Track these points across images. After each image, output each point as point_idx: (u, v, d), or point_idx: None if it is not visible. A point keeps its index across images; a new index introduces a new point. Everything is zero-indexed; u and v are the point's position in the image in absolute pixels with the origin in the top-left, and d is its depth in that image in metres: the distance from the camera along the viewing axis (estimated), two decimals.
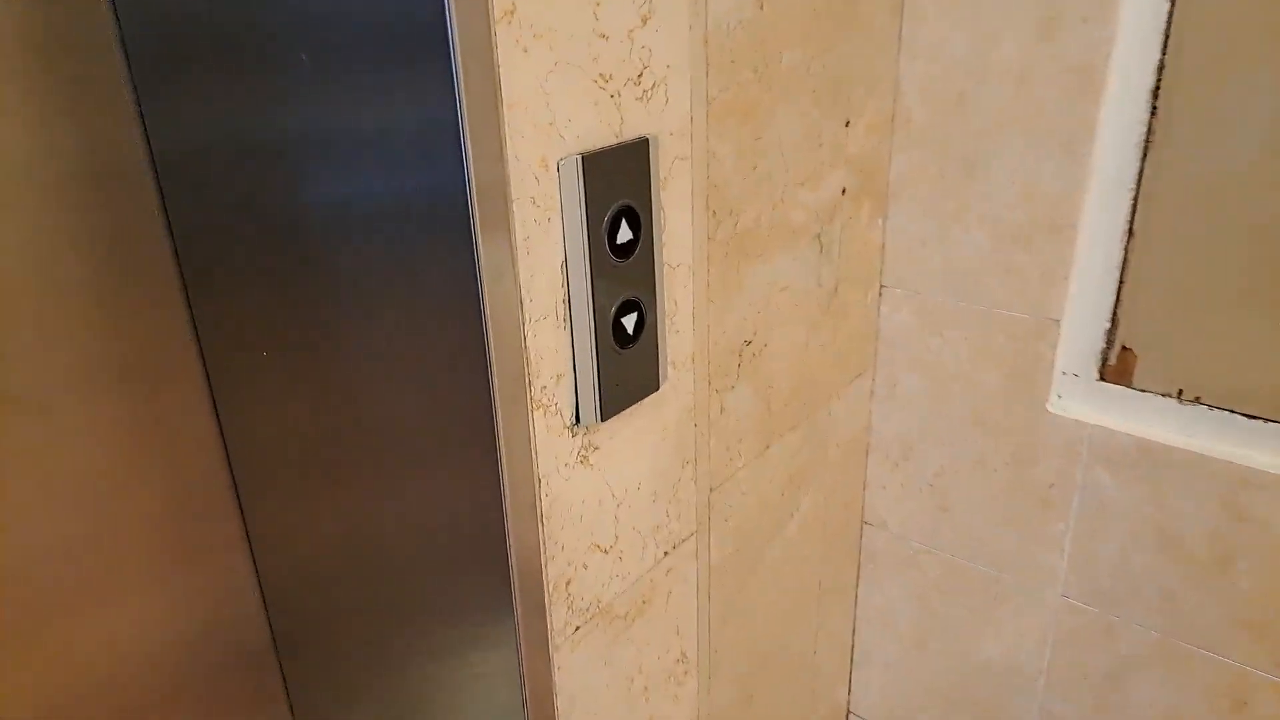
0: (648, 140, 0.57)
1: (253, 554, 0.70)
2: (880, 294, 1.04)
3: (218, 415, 0.65)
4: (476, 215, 0.47)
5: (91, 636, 0.63)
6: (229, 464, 0.67)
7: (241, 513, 0.69)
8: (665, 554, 0.72)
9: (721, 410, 0.79)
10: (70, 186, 0.55)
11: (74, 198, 0.55)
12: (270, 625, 0.73)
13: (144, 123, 0.56)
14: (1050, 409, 0.96)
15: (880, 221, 1.00)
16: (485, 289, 0.49)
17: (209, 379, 0.64)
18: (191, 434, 0.65)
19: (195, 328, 0.62)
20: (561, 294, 0.55)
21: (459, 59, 0.44)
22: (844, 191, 0.91)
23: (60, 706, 0.62)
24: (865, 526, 1.16)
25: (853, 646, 1.23)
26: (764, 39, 0.72)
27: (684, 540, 0.74)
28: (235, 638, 0.71)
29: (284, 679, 0.75)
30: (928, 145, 0.95)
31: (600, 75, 0.53)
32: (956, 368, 1.01)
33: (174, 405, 0.63)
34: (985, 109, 0.90)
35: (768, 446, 0.89)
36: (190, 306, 0.62)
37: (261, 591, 0.72)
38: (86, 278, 0.57)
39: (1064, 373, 0.95)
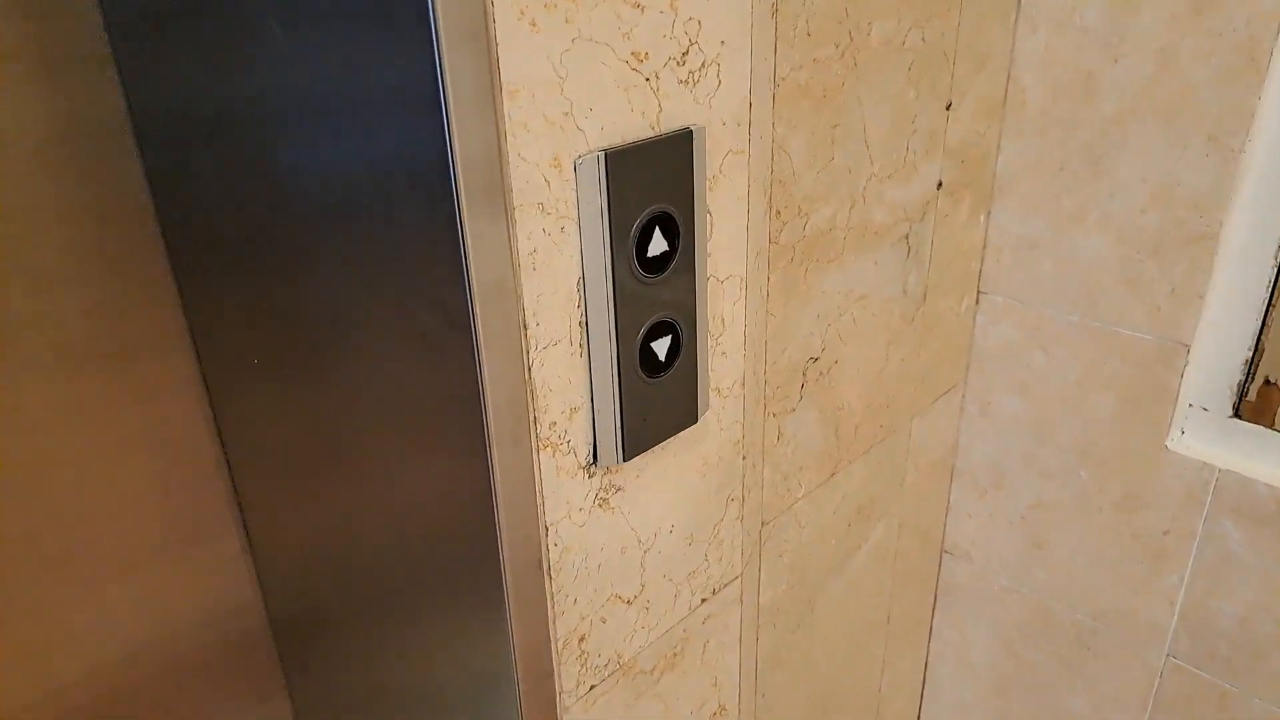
0: (691, 132, 0.47)
1: (250, 546, 0.65)
2: (978, 301, 0.91)
3: (211, 401, 0.60)
4: (466, 228, 0.39)
5: (90, 625, 0.60)
6: (223, 448, 0.61)
7: (238, 501, 0.64)
8: (703, 601, 0.63)
9: (779, 437, 0.70)
10: (53, 156, 0.49)
11: (57, 167, 0.50)
12: (269, 617, 0.68)
13: (126, 91, 0.50)
14: (1170, 446, 0.83)
15: (982, 219, 0.87)
16: (477, 312, 0.41)
17: (201, 369, 0.58)
18: (182, 417, 0.60)
19: (185, 311, 0.57)
20: (578, 316, 0.46)
21: (440, 37, 0.35)
22: (940, 185, 0.79)
23: (56, 697, 0.60)
24: (945, 555, 1.05)
25: (923, 686, 1.12)
26: (851, 6, 0.61)
27: (726, 585, 0.65)
28: (233, 626, 0.67)
29: (284, 671, 0.70)
30: (1045, 133, 0.82)
31: (633, 54, 0.44)
32: (1063, 390, 0.88)
33: (164, 386, 0.58)
34: (1118, 91, 0.76)
35: (833, 474, 0.79)
36: (180, 287, 0.56)
37: (260, 584, 0.67)
38: (72, 253, 0.52)
39: (1190, 405, 0.81)
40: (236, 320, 0.55)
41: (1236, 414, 0.80)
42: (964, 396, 0.95)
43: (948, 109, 0.76)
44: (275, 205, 0.47)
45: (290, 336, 0.52)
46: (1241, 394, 0.79)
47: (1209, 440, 0.81)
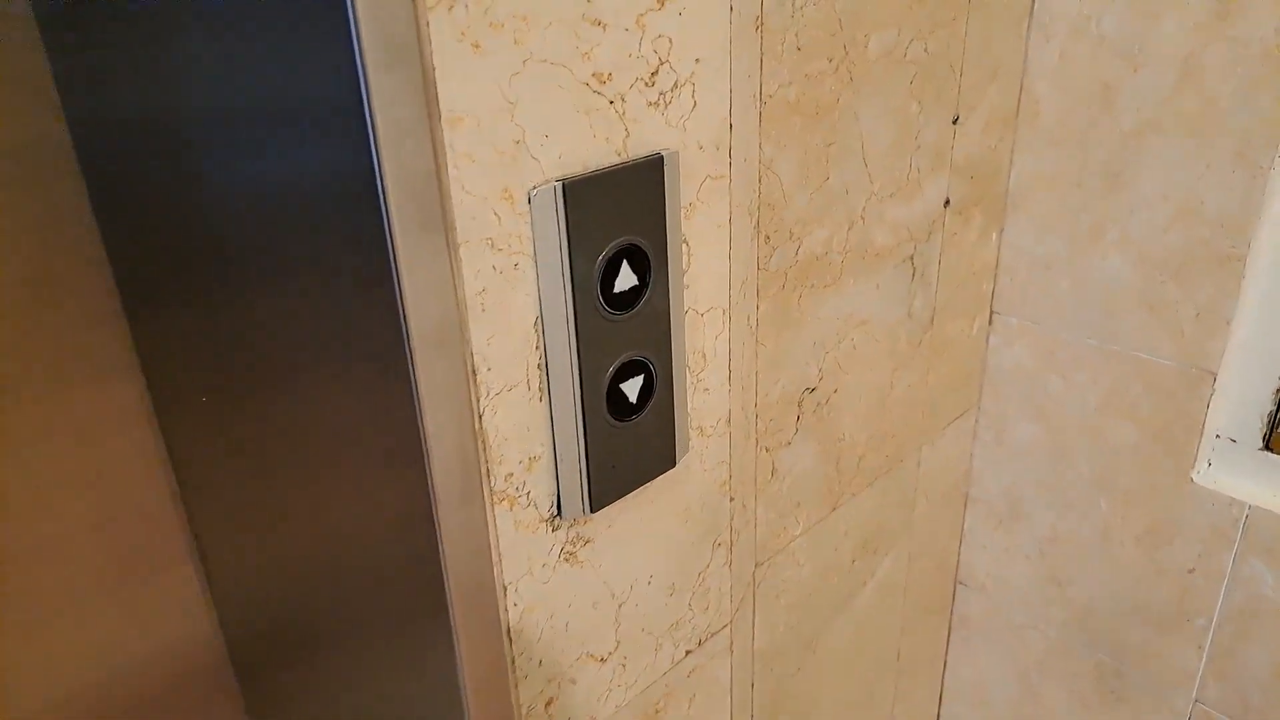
0: (662, 158, 0.44)
1: (209, 579, 0.62)
2: (990, 323, 0.87)
3: (162, 432, 0.57)
4: (400, 268, 0.35)
5: (42, 664, 0.57)
6: (177, 480, 0.59)
7: (194, 534, 0.61)
8: (687, 653, 0.59)
9: (773, 473, 0.66)
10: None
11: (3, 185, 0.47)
12: (228, 651, 0.65)
13: (66, 112, 0.47)
14: (1197, 479, 0.78)
15: (994, 237, 0.83)
16: (416, 359, 0.37)
17: (152, 397, 0.56)
18: (132, 446, 0.57)
19: (134, 338, 0.54)
20: (536, 358, 0.42)
21: (364, 60, 0.31)
22: (947, 203, 0.75)
23: None
24: (959, 587, 1.00)
25: None
26: (846, 18, 0.57)
27: (714, 634, 0.61)
28: (193, 660, 0.65)
29: (245, 706, 0.67)
30: (1060, 147, 0.77)
31: (594, 75, 0.40)
32: (1081, 418, 0.83)
33: (113, 415, 0.55)
34: (1137, 103, 0.72)
35: (835, 508, 0.75)
36: (128, 313, 0.53)
37: (219, 618, 0.64)
38: (16, 278, 0.49)
39: (1218, 436, 0.76)
40: (183, 349, 0.52)
41: (1267, 446, 0.75)
42: (977, 422, 0.91)
43: (955, 123, 0.72)
44: (214, 237, 0.44)
45: (233, 372, 0.49)
46: (1272, 425, 0.74)
47: (1238, 474, 0.76)
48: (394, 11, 0.32)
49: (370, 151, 0.33)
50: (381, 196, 0.34)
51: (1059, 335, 0.82)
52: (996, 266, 0.84)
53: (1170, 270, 0.73)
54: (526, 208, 0.39)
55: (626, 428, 0.47)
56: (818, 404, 0.68)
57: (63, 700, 0.59)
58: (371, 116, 0.32)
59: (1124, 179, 0.74)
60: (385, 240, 0.35)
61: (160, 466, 0.58)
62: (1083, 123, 0.75)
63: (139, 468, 0.58)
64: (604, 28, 0.40)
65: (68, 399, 0.53)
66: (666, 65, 0.43)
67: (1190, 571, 0.80)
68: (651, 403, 0.48)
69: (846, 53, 0.58)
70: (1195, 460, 0.77)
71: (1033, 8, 0.75)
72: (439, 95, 0.35)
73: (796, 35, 0.54)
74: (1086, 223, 0.77)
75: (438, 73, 0.34)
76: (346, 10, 0.31)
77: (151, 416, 0.57)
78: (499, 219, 0.39)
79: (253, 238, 0.42)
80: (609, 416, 0.46)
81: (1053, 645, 0.93)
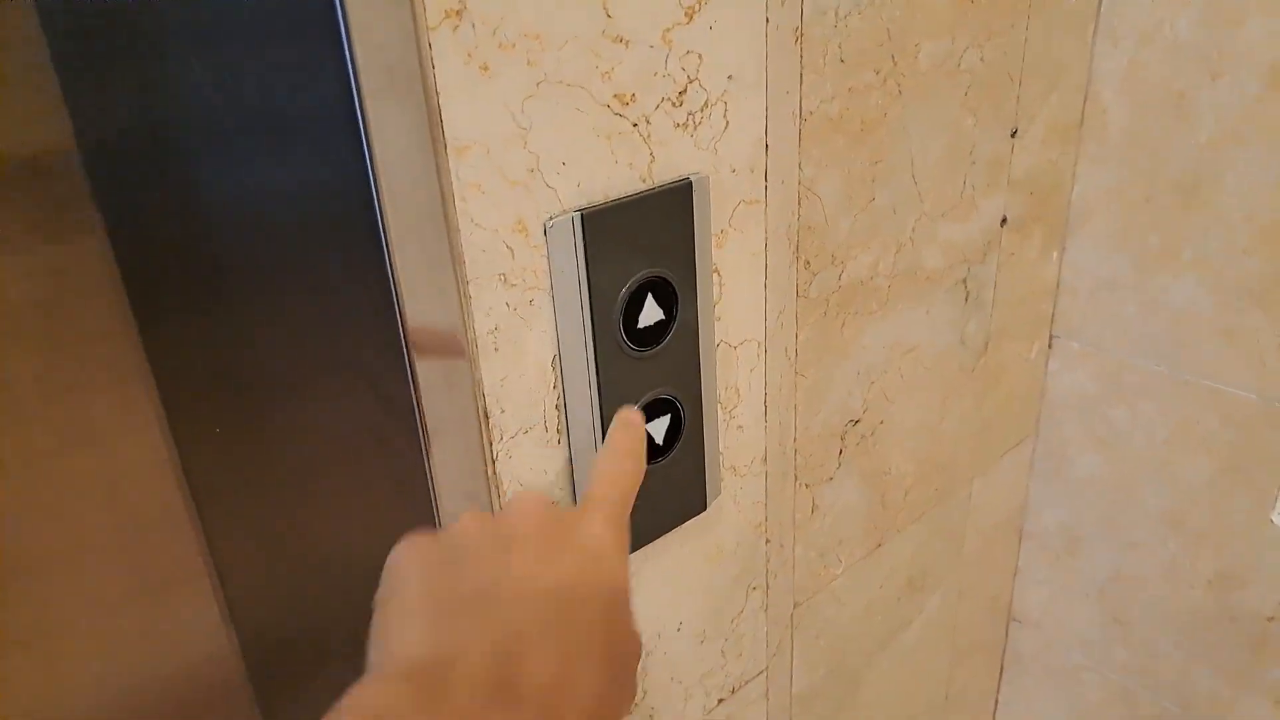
0: (691, 183, 0.41)
1: (225, 595, 0.60)
2: (1050, 347, 0.82)
3: (177, 445, 0.55)
4: (404, 307, 0.33)
5: (56, 683, 0.56)
6: (192, 495, 0.57)
7: (210, 549, 0.59)
8: (719, 701, 0.56)
9: (814, 510, 0.62)
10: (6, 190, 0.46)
11: (10, 202, 0.46)
12: (246, 667, 0.63)
13: (74, 121, 0.46)
14: (1276, 520, 0.72)
15: (1055, 256, 0.78)
16: (423, 400, 0.34)
17: (166, 412, 0.54)
18: (145, 459, 0.55)
19: (147, 354, 0.52)
20: (554, 398, 0.40)
21: (360, 87, 0.29)
22: (1004, 221, 0.70)
23: None
24: (1012, 624, 0.95)
25: None
26: (894, 27, 0.53)
27: (748, 681, 0.58)
28: (210, 677, 0.63)
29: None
30: (1129, 160, 0.72)
31: (616, 97, 0.37)
32: (1149, 451, 0.78)
33: (124, 428, 0.54)
34: (1216, 114, 0.66)
35: (880, 544, 0.70)
36: (140, 327, 0.51)
37: (237, 634, 0.63)
38: (26, 279, 0.48)
39: None
40: (196, 367, 0.50)
41: None
42: (1035, 453, 0.86)
43: (1013, 136, 0.67)
44: (218, 259, 0.42)
45: (244, 394, 0.47)
46: None
47: None
48: (393, 31, 0.29)
49: (368, 182, 0.31)
50: (381, 230, 0.31)
51: (1125, 361, 0.77)
52: (1057, 288, 0.79)
53: (1251, 295, 0.68)
54: (542, 240, 0.37)
55: (653, 471, 0.44)
56: (862, 436, 0.64)
57: (75, 714, 0.58)
58: (369, 145, 0.30)
59: (1200, 195, 0.69)
60: (387, 275, 0.32)
61: (174, 477, 0.57)
62: (1154, 134, 0.70)
63: (152, 478, 0.56)
64: (626, 45, 0.37)
65: (80, 409, 0.52)
66: (696, 83, 0.40)
67: (1269, 620, 0.74)
68: (679, 444, 0.45)
69: (895, 64, 0.54)
70: (1276, 500, 0.71)
71: (1099, 10, 0.70)
72: (444, 121, 0.32)
73: (840, 46, 0.50)
74: (1157, 242, 0.72)
75: (442, 97, 0.32)
76: (340, 30, 0.28)
77: (165, 427, 0.55)
78: (512, 253, 0.36)
79: (257, 261, 0.40)
80: None
81: (1113, 689, 0.88)
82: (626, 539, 0.30)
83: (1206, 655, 0.79)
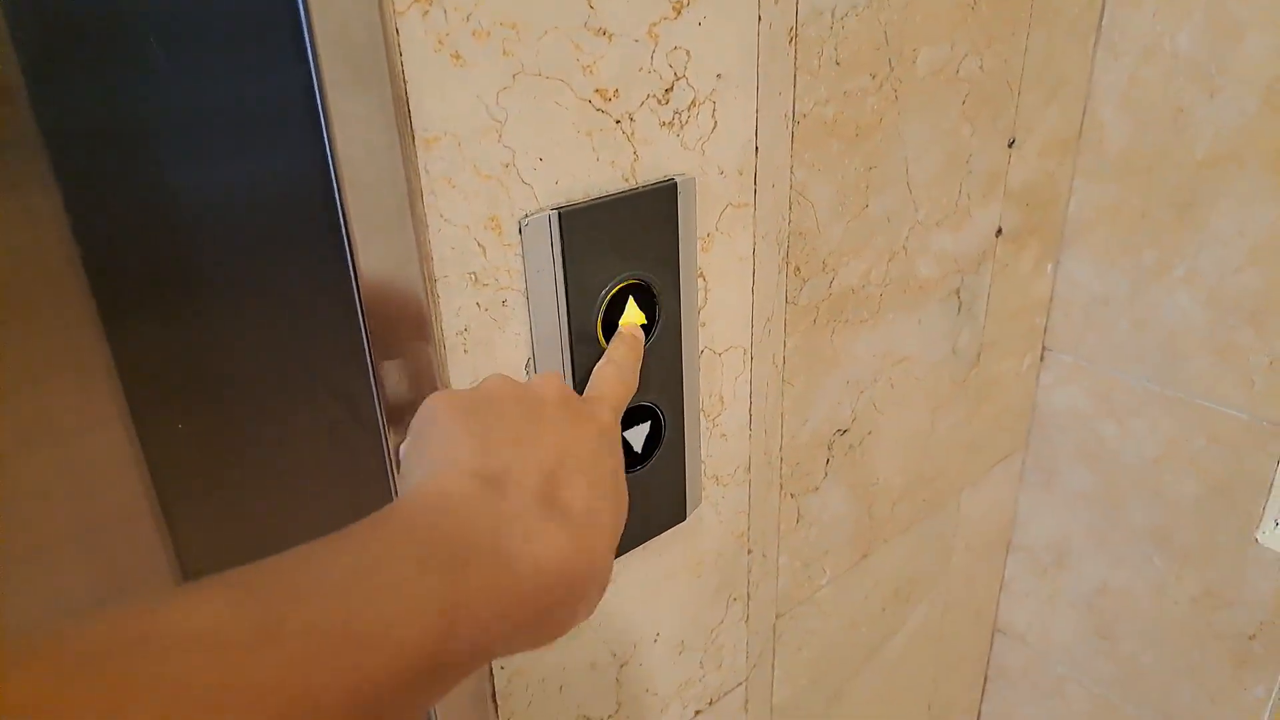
0: (675, 184, 0.39)
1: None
2: (1042, 360, 0.81)
3: (141, 439, 0.54)
4: (365, 306, 0.31)
5: None
6: (155, 489, 0.55)
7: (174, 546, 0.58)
8: (697, 713, 0.55)
9: (799, 519, 0.61)
10: None
11: None
12: None
13: (37, 115, 0.44)
14: (1261, 540, 0.71)
15: (1049, 270, 0.77)
16: (386, 402, 0.33)
17: (129, 405, 0.52)
18: (107, 452, 0.54)
19: (112, 351, 0.51)
20: None
21: (321, 71, 0.28)
22: (999, 232, 0.69)
23: None
24: (997, 635, 0.94)
25: None
26: (892, 30, 0.52)
27: (728, 692, 0.56)
28: None
29: None
30: (1126, 175, 0.71)
31: (598, 92, 0.36)
32: (1139, 467, 0.77)
33: (87, 415, 0.52)
34: (1213, 130, 0.65)
35: (865, 555, 0.69)
36: (105, 324, 0.50)
37: None
38: None
39: None
40: (159, 362, 0.49)
41: None
42: (1024, 466, 0.85)
43: (1010, 146, 0.66)
44: (183, 251, 0.41)
45: (207, 386, 0.45)
46: None
47: None
48: (357, 16, 0.28)
49: (329, 174, 0.29)
50: (344, 224, 0.30)
51: (1116, 377, 0.76)
52: (1051, 301, 0.78)
53: (1243, 314, 0.67)
54: (517, 238, 0.35)
55: (631, 480, 0.42)
56: (850, 446, 0.63)
57: None
58: (330, 136, 0.28)
59: (1195, 212, 0.68)
60: (349, 272, 0.31)
61: (137, 473, 0.55)
62: (1152, 150, 0.69)
63: (115, 474, 0.55)
64: (610, 38, 0.35)
65: (41, 403, 0.51)
66: (683, 81, 0.39)
67: (1251, 638, 0.73)
68: (659, 452, 0.43)
69: (892, 68, 0.53)
70: (1261, 520, 0.71)
71: (1101, 22, 0.69)
72: (411, 112, 0.31)
73: (836, 48, 0.49)
74: (1151, 258, 0.71)
75: (410, 86, 0.30)
76: (300, 15, 0.27)
77: (128, 422, 0.54)
78: (484, 250, 0.34)
79: (221, 256, 0.38)
80: None
81: (1096, 701, 0.87)
82: (620, 435, 0.33)
83: (1190, 672, 0.78)
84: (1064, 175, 0.73)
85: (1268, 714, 0.75)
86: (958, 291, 0.67)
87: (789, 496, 0.59)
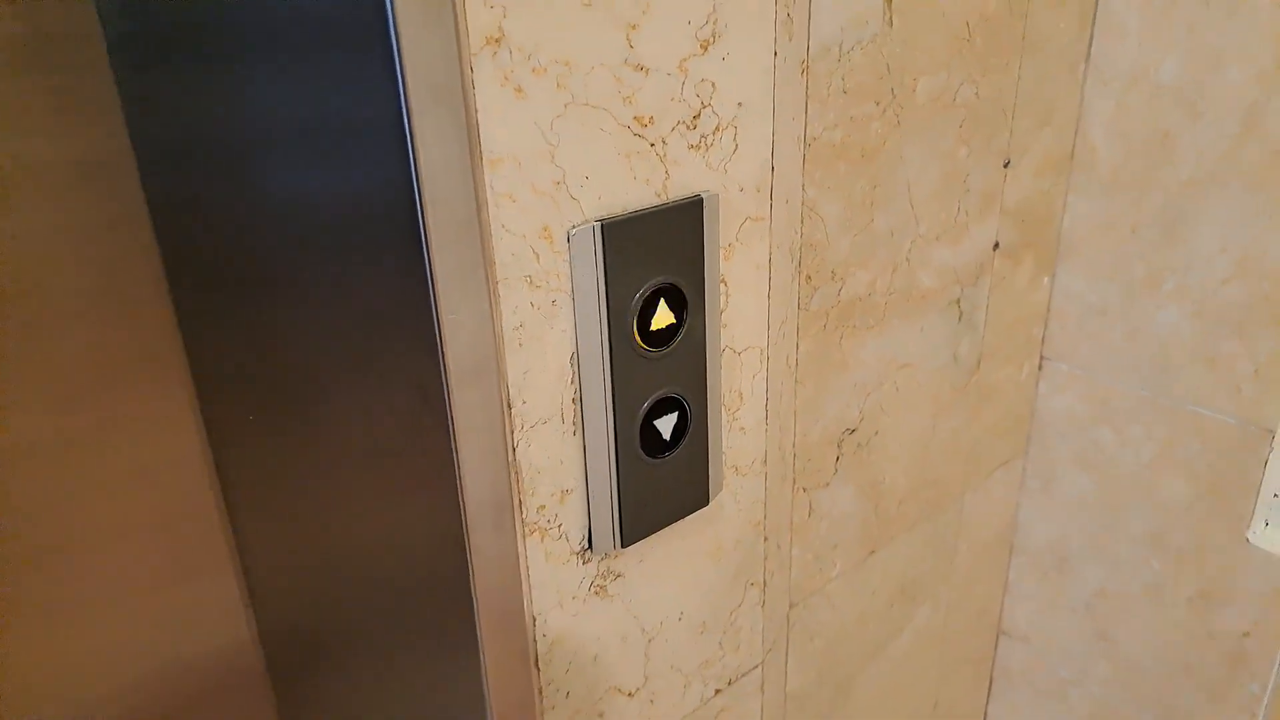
0: (701, 200, 0.44)
1: (248, 586, 0.63)
2: (1040, 368, 0.85)
3: (210, 440, 0.58)
4: (439, 303, 0.36)
5: (80, 663, 0.59)
6: (222, 488, 0.60)
7: (236, 542, 0.62)
8: (716, 692, 0.59)
9: (810, 513, 0.65)
10: (62, 194, 0.49)
11: (66, 206, 0.49)
12: (265, 658, 0.66)
13: (127, 121, 0.49)
14: (1252, 540, 0.75)
15: (1046, 282, 0.81)
16: (452, 389, 0.38)
17: (201, 407, 0.57)
18: (180, 453, 0.58)
19: (186, 351, 0.56)
20: (571, 392, 0.43)
21: (410, 104, 0.33)
22: (996, 246, 0.74)
23: None
24: (1001, 637, 0.97)
25: None
26: (893, 63, 0.57)
27: (744, 674, 0.61)
28: (229, 666, 0.66)
29: (279, 714, 0.68)
30: (1116, 194, 0.76)
31: (636, 119, 0.41)
32: (1135, 471, 0.81)
33: (163, 423, 0.57)
34: (1197, 153, 0.70)
35: (873, 551, 0.74)
36: (181, 326, 0.55)
37: (257, 625, 0.65)
38: (76, 279, 0.51)
39: (1275, 496, 0.73)
40: (233, 360, 0.54)
41: None
42: (1025, 471, 0.89)
43: (1006, 166, 0.71)
44: (264, 257, 0.46)
45: (277, 385, 0.50)
46: None
47: None
48: (439, 54, 0.33)
49: (412, 189, 0.34)
50: (423, 232, 0.35)
51: (1111, 385, 0.80)
52: (1048, 312, 0.83)
53: (1229, 324, 0.71)
54: (565, 246, 0.40)
55: (659, 464, 0.47)
56: (858, 445, 0.67)
57: (97, 701, 0.61)
58: (414, 155, 0.33)
59: (1182, 229, 0.73)
60: (425, 274, 0.36)
61: (206, 473, 0.60)
62: (1139, 171, 0.74)
63: (185, 473, 0.59)
64: (646, 73, 0.40)
65: (120, 404, 0.55)
66: (709, 109, 0.44)
67: (1244, 636, 0.77)
68: (685, 440, 0.48)
69: (894, 96, 0.58)
70: (1251, 520, 0.75)
71: (1090, 52, 0.75)
72: (481, 136, 0.36)
73: (843, 79, 0.54)
74: (1142, 271, 0.76)
75: (480, 115, 0.35)
76: (392, 52, 0.32)
77: (200, 424, 0.58)
78: (538, 257, 0.39)
79: (300, 261, 0.43)
80: (642, 453, 0.46)
81: (1098, 702, 0.90)
82: None
83: (1187, 671, 0.82)
84: (1058, 193, 0.78)
85: (1263, 708, 0.78)
86: (958, 302, 0.72)
87: (801, 490, 0.64)
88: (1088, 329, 0.81)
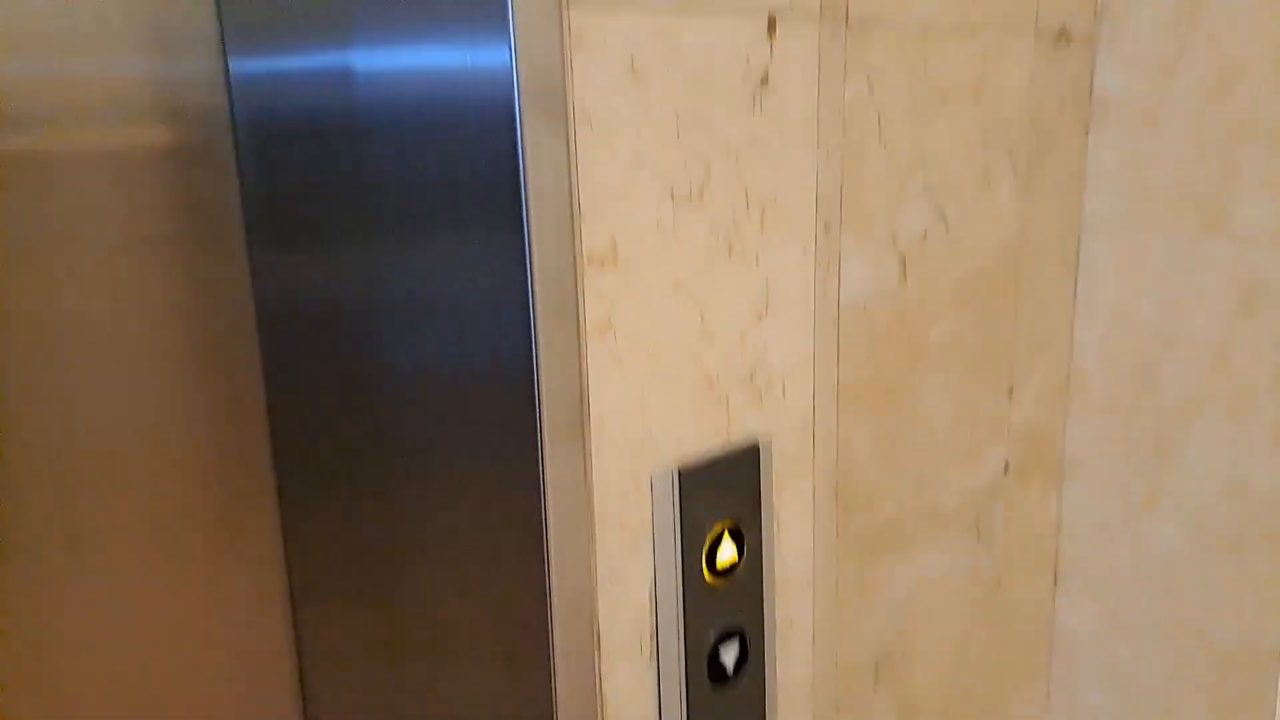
0: (758, 447, 0.50)
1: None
2: (1056, 584, 0.88)
3: (293, 604, 0.58)
4: (551, 557, 0.41)
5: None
6: (299, 661, 0.59)
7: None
8: None
9: None
10: (180, 346, 0.52)
11: (181, 358, 0.52)
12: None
13: (255, 288, 0.53)
14: None
15: (1054, 501, 0.87)
16: (555, 635, 0.42)
17: (289, 579, 0.57)
18: (265, 620, 0.58)
19: (282, 523, 0.57)
20: (649, 624, 0.47)
21: (540, 374, 0.39)
22: (1007, 468, 0.80)
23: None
24: None
25: None
26: (908, 314, 0.65)
27: None
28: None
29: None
30: (1110, 418, 0.83)
31: (706, 378, 0.47)
32: (1153, 691, 0.83)
33: (251, 596, 0.57)
34: (1178, 383, 0.78)
35: None
36: (281, 493, 0.56)
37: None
38: (189, 451, 0.53)
39: None
40: (329, 537, 0.54)
41: None
42: (1049, 691, 0.90)
43: (1010, 394, 0.78)
44: (380, 434, 0.49)
45: (375, 571, 0.52)
46: None
47: None
48: (559, 339, 0.39)
49: (536, 451, 0.40)
50: (543, 491, 0.40)
51: (1123, 602, 0.84)
52: (1059, 529, 0.87)
53: (1227, 545, 0.76)
54: (648, 490, 0.45)
55: (724, 694, 0.50)
56: (893, 667, 0.69)
57: None
58: (540, 425, 0.39)
59: (1171, 451, 0.79)
60: (541, 528, 0.41)
61: (287, 641, 0.59)
62: (1128, 398, 0.81)
63: (266, 640, 0.58)
64: (714, 341, 0.47)
65: (216, 587, 0.55)
66: (762, 366, 0.50)
67: None
68: (746, 669, 0.51)
69: (911, 341, 0.66)
70: None
71: (1076, 294, 0.84)
72: (590, 400, 0.42)
73: (869, 329, 0.62)
74: (1140, 491, 0.81)
75: (591, 385, 0.41)
76: (533, 373, 0.38)
77: (287, 603, 0.58)
78: (627, 501, 0.44)
79: (409, 436, 0.47)
80: (709, 683, 0.49)
81: None
82: None
83: None
84: (1058, 418, 0.85)
85: None
86: (976, 522, 0.76)
87: (848, 713, 0.65)
88: (1097, 547, 0.85)
